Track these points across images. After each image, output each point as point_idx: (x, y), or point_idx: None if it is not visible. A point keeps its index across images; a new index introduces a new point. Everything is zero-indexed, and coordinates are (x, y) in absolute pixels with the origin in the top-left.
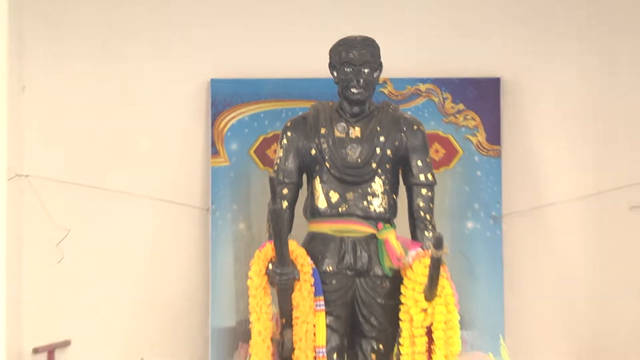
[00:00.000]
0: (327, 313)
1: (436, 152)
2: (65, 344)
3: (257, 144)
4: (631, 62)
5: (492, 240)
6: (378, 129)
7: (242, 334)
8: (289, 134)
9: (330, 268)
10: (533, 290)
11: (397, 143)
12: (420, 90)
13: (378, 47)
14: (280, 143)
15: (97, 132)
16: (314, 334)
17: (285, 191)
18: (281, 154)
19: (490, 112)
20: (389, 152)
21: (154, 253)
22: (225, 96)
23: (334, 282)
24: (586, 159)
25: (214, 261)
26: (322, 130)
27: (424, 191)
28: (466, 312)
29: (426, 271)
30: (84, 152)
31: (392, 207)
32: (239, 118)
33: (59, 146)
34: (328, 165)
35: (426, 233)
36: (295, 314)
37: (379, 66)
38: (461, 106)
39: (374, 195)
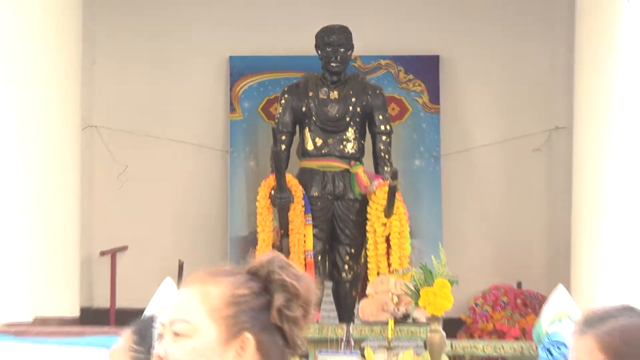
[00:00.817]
0: (314, 226)
1: (393, 109)
2: (124, 248)
3: (263, 103)
4: (535, 42)
5: (433, 174)
6: (350, 92)
7: (252, 241)
8: (286, 96)
9: (316, 193)
10: (463, 210)
11: (364, 103)
12: (381, 65)
13: (351, 33)
14: (280, 103)
15: (148, 93)
16: (304, 242)
17: (283, 138)
18: (280, 111)
19: (432, 80)
20: (358, 109)
21: (188, 183)
22: (240, 68)
23: (318, 204)
24: (502, 113)
25: (231, 188)
26: (310, 94)
27: (384, 138)
28: (415, 226)
29: (385, 196)
30: (138, 109)
31: (361, 150)
32: (250, 84)
33: (120, 104)
34: (314, 119)
35: (385, 168)
36: (290, 227)
37: (351, 47)
38: (411, 76)
39: (347, 140)
